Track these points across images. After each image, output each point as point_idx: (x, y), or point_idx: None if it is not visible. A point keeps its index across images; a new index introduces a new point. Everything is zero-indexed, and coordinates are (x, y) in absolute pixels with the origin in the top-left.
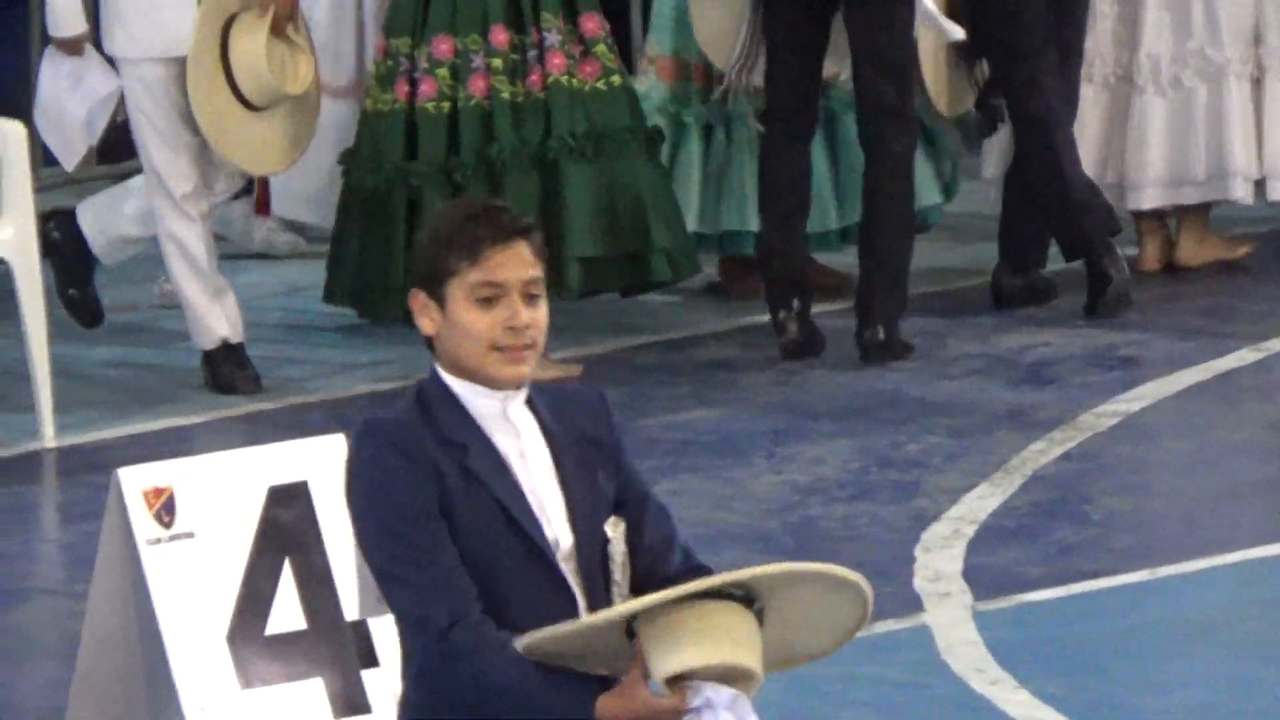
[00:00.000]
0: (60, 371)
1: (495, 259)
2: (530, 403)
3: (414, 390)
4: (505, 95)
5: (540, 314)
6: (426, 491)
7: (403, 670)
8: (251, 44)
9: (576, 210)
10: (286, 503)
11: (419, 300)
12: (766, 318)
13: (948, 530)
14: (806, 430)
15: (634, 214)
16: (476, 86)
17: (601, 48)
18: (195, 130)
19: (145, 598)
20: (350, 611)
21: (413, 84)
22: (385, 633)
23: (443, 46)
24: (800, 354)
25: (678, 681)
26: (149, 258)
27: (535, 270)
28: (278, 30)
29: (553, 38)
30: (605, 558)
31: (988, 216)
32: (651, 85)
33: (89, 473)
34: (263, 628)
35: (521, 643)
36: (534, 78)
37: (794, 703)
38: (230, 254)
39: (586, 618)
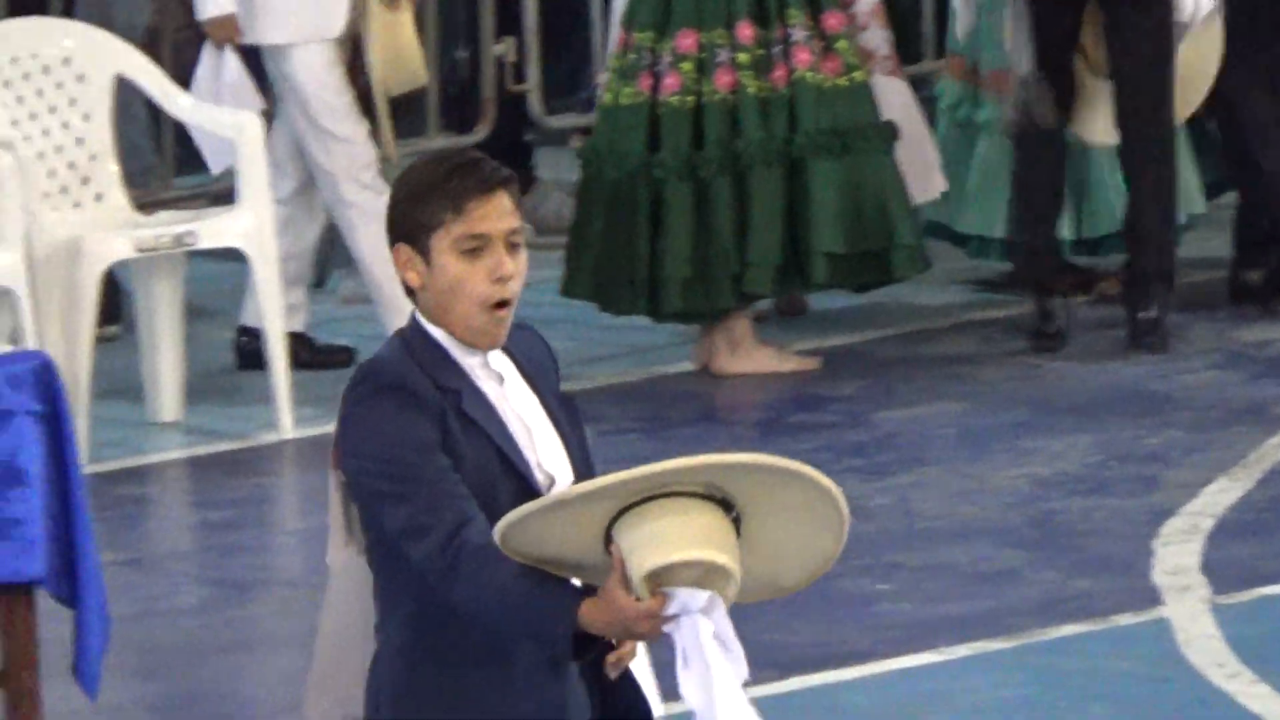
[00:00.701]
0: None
1: (479, 210)
2: (505, 349)
3: (396, 340)
4: (751, 90)
5: (521, 264)
6: (431, 430)
7: (381, 622)
8: (405, 33)
9: (822, 206)
10: None
11: (403, 255)
12: (1004, 312)
13: (1186, 524)
14: (1046, 424)
15: (877, 211)
16: (722, 81)
17: (843, 43)
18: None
19: None
20: None
21: (656, 78)
22: None
23: (687, 41)
24: (1059, 346)
25: (656, 585)
26: None
27: (516, 220)
28: None
29: (798, 33)
30: None
31: (1224, 207)
32: (945, 83)
33: (327, 464)
34: None
35: (498, 533)
36: (779, 73)
37: (1037, 696)
38: None
39: (559, 492)
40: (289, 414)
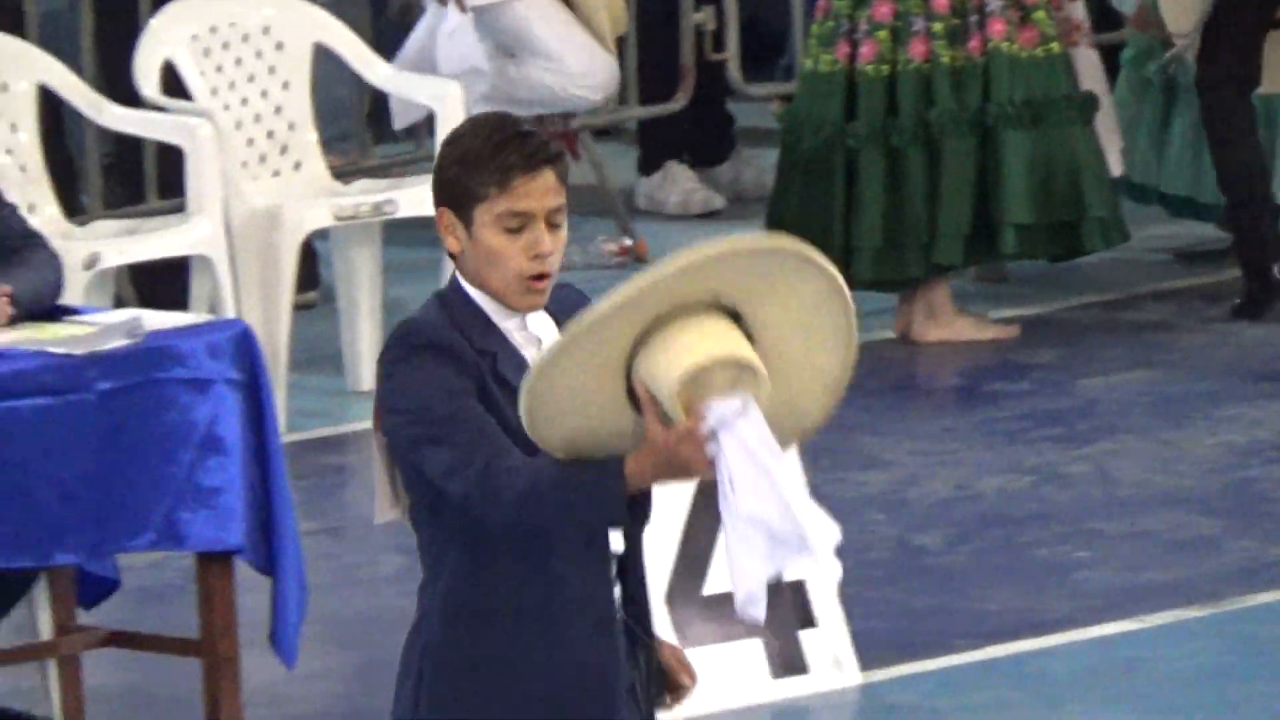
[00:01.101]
0: None
1: (524, 188)
2: (548, 309)
3: (435, 301)
4: (945, 60)
5: (561, 240)
6: (467, 383)
7: (425, 584)
8: None
9: (1013, 177)
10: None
11: (445, 219)
12: (1202, 279)
13: None
14: (1244, 391)
15: (1069, 182)
16: (916, 50)
17: (1041, 14)
18: None
19: None
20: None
21: (853, 45)
22: (821, 593)
23: (883, 9)
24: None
25: (689, 404)
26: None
27: (559, 198)
28: None
29: (994, 3)
30: None
31: None
32: (1129, 34)
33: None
34: (700, 587)
35: (523, 409)
36: (974, 43)
37: (1236, 664)
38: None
39: (562, 333)
40: None
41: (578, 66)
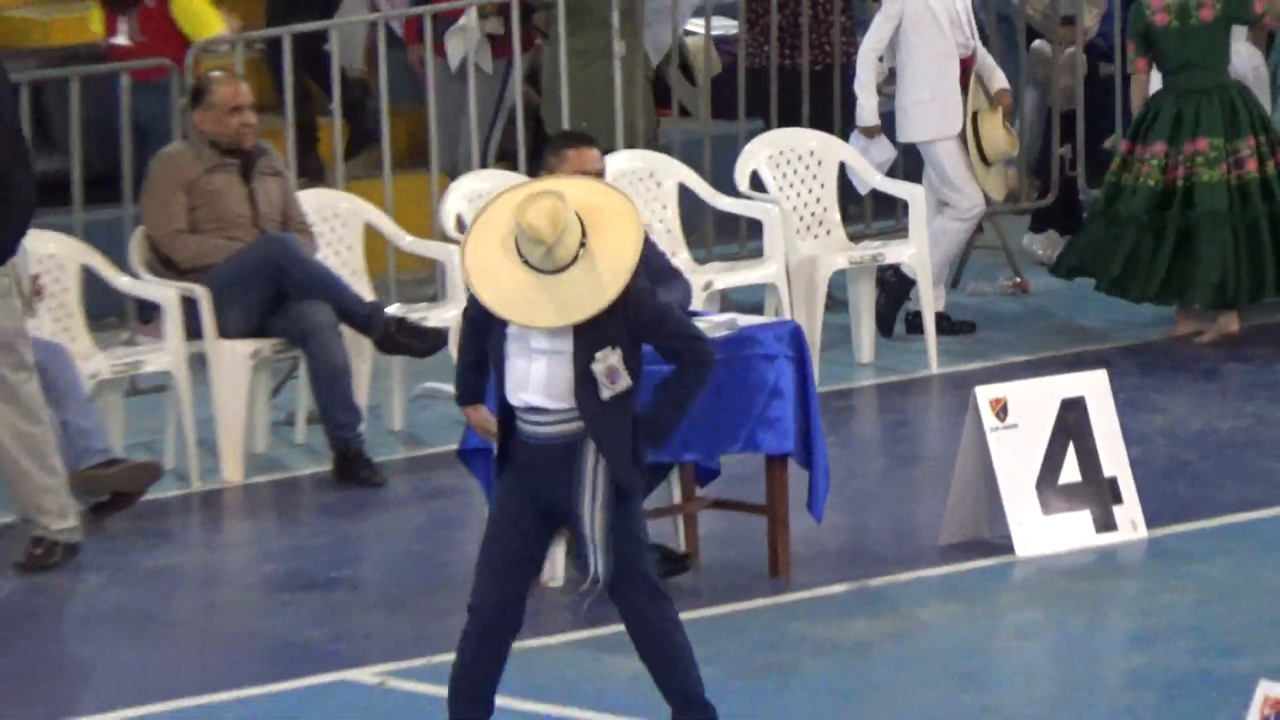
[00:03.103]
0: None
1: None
2: None
3: None
4: (1205, 177)
5: None
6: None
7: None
8: (997, 124)
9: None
10: (1071, 409)
11: None
12: None
13: None
14: None
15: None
16: (1176, 173)
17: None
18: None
19: (989, 463)
20: (1107, 468)
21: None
22: (1126, 486)
23: (1156, 147)
24: None
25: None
26: (988, 266)
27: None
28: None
29: (1245, 151)
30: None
31: None
32: None
33: (958, 390)
34: (1055, 479)
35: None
36: (1221, 169)
37: None
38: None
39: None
40: (935, 359)
41: (966, 202)
